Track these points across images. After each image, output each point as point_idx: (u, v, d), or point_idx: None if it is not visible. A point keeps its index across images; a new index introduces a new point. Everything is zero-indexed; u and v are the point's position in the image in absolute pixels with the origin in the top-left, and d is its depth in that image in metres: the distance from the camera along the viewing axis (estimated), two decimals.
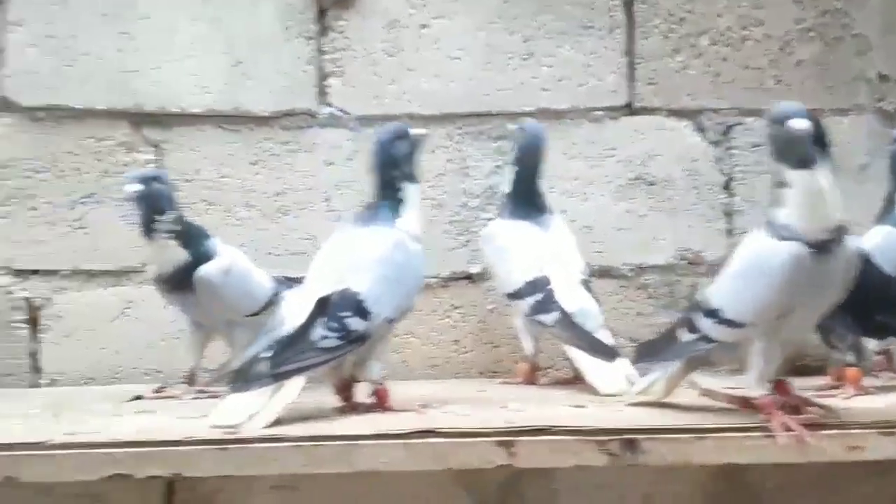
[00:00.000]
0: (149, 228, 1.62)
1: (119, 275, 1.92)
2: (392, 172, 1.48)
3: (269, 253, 1.90)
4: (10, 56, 1.89)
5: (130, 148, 1.92)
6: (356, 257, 1.44)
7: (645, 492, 1.74)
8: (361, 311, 1.40)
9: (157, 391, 1.74)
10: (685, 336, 1.38)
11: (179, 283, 1.65)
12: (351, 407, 1.47)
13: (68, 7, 1.89)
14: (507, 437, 1.23)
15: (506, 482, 1.78)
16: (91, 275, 1.91)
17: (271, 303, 1.73)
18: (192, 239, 1.65)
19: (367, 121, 1.94)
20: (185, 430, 1.26)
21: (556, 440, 1.24)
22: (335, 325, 1.38)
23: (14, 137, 1.89)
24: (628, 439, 1.23)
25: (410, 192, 1.49)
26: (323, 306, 1.40)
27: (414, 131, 1.52)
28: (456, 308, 1.96)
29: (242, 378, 1.37)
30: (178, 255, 1.63)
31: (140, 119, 1.91)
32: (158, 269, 1.66)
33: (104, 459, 1.21)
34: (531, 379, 1.78)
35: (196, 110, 1.92)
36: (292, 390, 1.35)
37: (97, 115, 1.91)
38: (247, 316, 1.71)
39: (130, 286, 1.92)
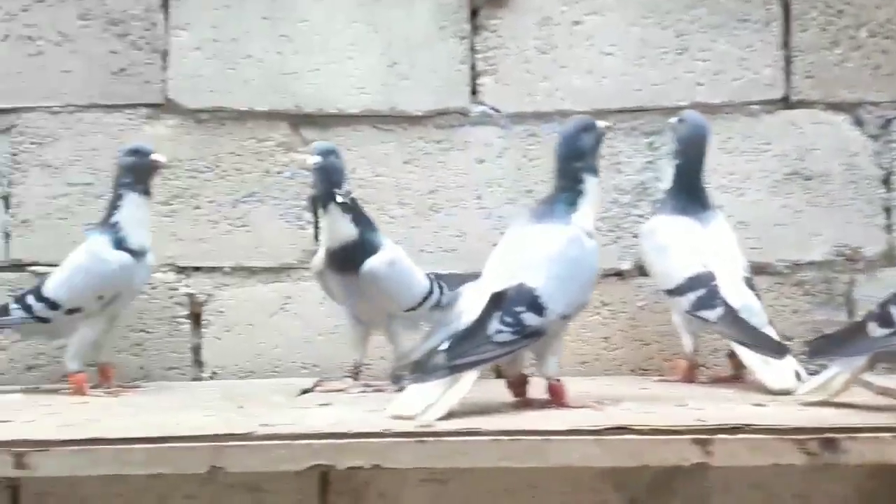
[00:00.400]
0: (326, 199, 1.66)
1: (278, 271, 1.97)
2: (575, 164, 1.49)
3: (422, 250, 1.93)
4: (175, 59, 1.96)
5: (289, 148, 1.97)
6: (531, 253, 1.45)
7: (797, 491, 1.72)
8: (536, 307, 1.41)
9: (318, 385, 1.79)
10: (877, 331, 1.35)
11: (345, 262, 1.68)
12: (525, 402, 1.48)
13: (231, 11, 1.95)
14: (703, 435, 1.23)
15: (656, 481, 1.78)
16: (251, 271, 1.97)
17: (427, 299, 1.76)
18: (362, 218, 1.70)
19: (518, 118, 1.95)
20: (379, 424, 1.29)
21: (753, 439, 1.23)
22: (510, 319, 1.40)
23: (179, 138, 1.96)
24: (828, 438, 1.22)
25: (591, 184, 1.50)
26: (498, 301, 1.42)
27: (600, 124, 1.52)
28: (605, 305, 1.96)
29: (421, 370, 1.40)
30: (349, 230, 1.67)
31: (298, 120, 1.96)
32: (329, 242, 1.69)
33: (305, 451, 1.25)
34: (690, 377, 1.77)
35: (353, 111, 1.95)
36: (467, 383, 1.38)
37: (258, 117, 1.96)
38: (405, 311, 1.73)
39: (289, 283, 1.96)
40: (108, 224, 1.75)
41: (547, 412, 1.41)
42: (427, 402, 1.35)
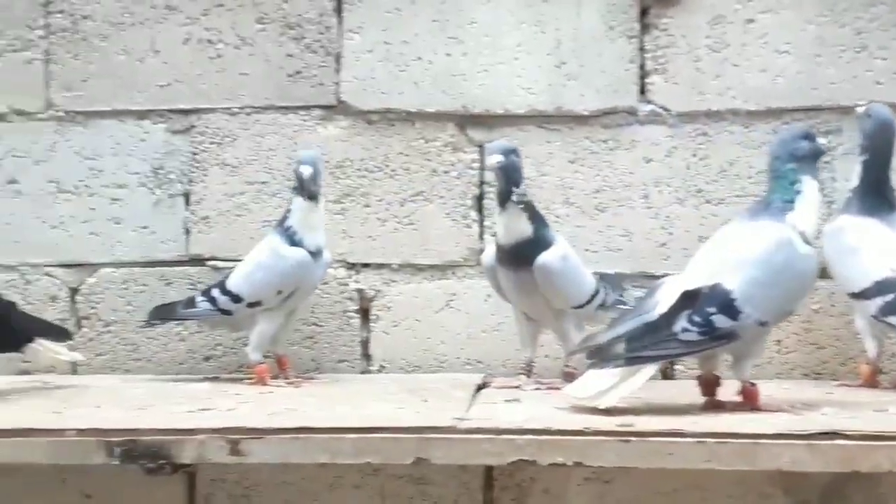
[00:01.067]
0: (504, 198, 1.68)
1: (444, 269, 2.00)
2: (789, 165, 1.47)
3: (587, 249, 1.93)
4: (348, 62, 2.01)
5: (456, 148, 2.00)
6: (733, 253, 1.44)
7: None
8: (730, 310, 1.40)
9: (488, 381, 1.81)
10: None
11: (517, 258, 1.70)
12: (715, 403, 1.48)
13: (402, 14, 1.99)
14: None
15: (829, 486, 1.75)
16: (418, 269, 2.01)
17: (595, 297, 1.76)
18: (537, 217, 1.72)
19: (688, 117, 1.94)
20: (580, 421, 1.30)
21: None
22: (699, 319, 1.39)
23: (350, 139, 2.01)
24: None
25: (809, 186, 1.47)
26: (691, 299, 1.41)
27: (821, 140, 1.52)
28: None
29: (600, 356, 1.41)
30: (524, 228, 1.69)
31: (465, 120, 1.99)
32: (504, 238, 1.71)
33: (509, 445, 1.27)
34: (872, 382, 1.73)
35: (519, 111, 1.97)
36: (643, 376, 1.39)
37: (426, 118, 2.00)
38: (574, 308, 1.75)
39: (454, 280, 2.00)
40: (282, 227, 1.82)
41: (744, 415, 1.40)
42: (600, 387, 1.36)
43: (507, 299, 1.81)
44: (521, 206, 1.69)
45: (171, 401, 1.60)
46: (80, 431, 1.33)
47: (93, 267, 2.03)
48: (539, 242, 1.70)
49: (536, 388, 1.72)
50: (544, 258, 1.69)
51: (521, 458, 1.27)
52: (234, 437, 1.31)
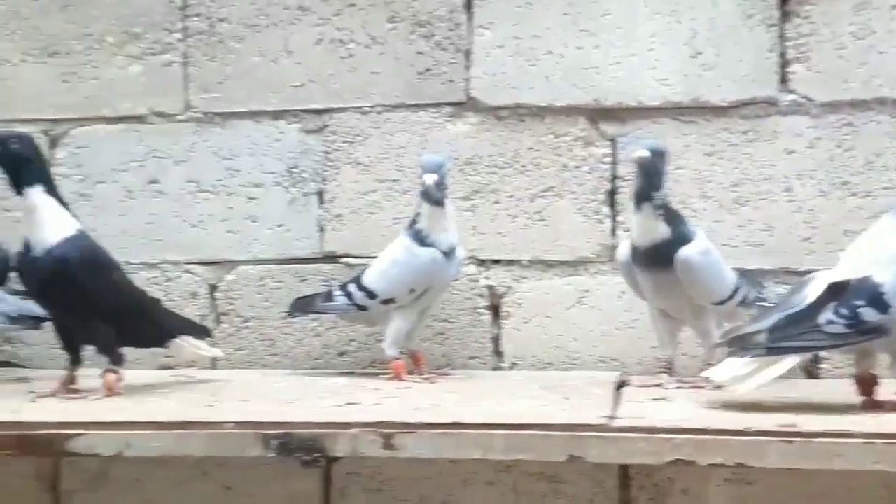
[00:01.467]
0: (641, 198, 1.66)
1: (575, 265, 1.98)
2: None
3: (725, 244, 1.88)
4: (478, 58, 2.01)
5: (588, 142, 1.98)
6: (886, 248, 1.39)
7: None
8: (879, 303, 1.36)
9: (626, 378, 1.79)
10: None
11: (655, 259, 1.68)
12: (873, 403, 1.42)
13: (532, 8, 1.98)
14: None
15: None
16: (549, 265, 1.99)
17: (736, 293, 1.72)
18: (674, 216, 1.69)
19: (832, 107, 1.88)
20: (739, 421, 1.27)
21: None
22: (846, 312, 1.35)
23: (479, 135, 2.01)
24: None
25: None
26: (838, 292, 1.37)
27: None
28: None
29: (741, 346, 1.39)
30: (662, 230, 1.67)
31: (597, 114, 1.97)
32: (640, 240, 1.69)
33: (666, 445, 1.25)
34: None
35: (653, 103, 1.94)
36: (784, 366, 1.36)
37: (556, 112, 1.98)
38: (715, 303, 1.71)
39: (586, 276, 1.98)
40: (412, 229, 1.83)
41: None
42: (737, 373, 1.35)
43: (643, 297, 1.78)
44: (658, 209, 1.66)
45: (315, 395, 1.63)
46: (238, 424, 1.36)
47: (231, 264, 2.09)
48: (678, 242, 1.67)
49: (678, 387, 1.69)
50: (686, 252, 1.65)
51: (679, 457, 1.24)
52: (388, 431, 1.32)
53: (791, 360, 1.38)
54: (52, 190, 1.68)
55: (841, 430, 1.23)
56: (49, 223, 1.64)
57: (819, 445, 1.21)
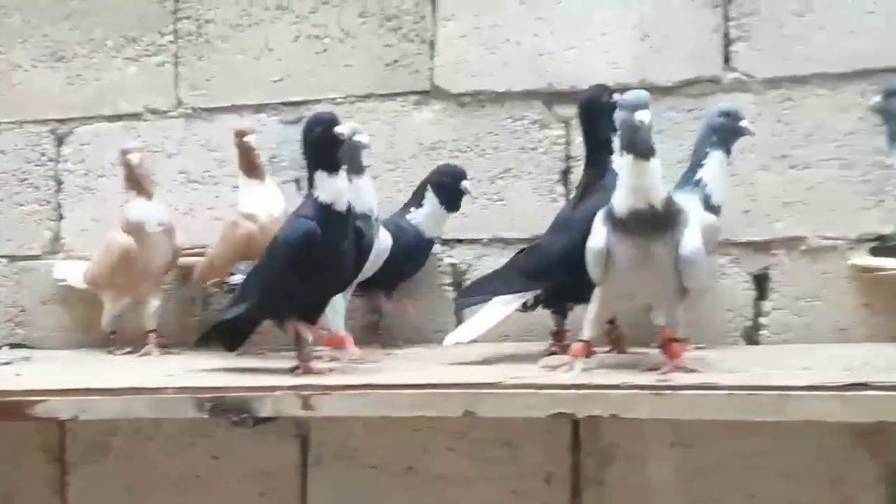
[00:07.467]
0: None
1: (531, 242, 2.06)
2: None
3: None
4: (442, 48, 2.12)
5: (543, 125, 2.07)
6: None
7: None
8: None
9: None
10: None
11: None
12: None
13: None
14: None
15: None
16: (507, 243, 2.08)
17: None
18: None
19: (772, 83, 1.93)
20: (620, 378, 1.36)
21: None
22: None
23: (443, 122, 2.12)
24: None
25: None
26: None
27: None
28: (866, 270, 1.89)
29: None
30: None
31: (552, 98, 2.06)
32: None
33: (550, 400, 1.34)
34: None
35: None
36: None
37: (514, 97, 2.08)
38: None
39: None
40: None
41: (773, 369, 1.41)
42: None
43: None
44: None
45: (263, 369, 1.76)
46: (177, 389, 1.50)
47: None
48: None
49: None
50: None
51: (561, 411, 1.34)
52: (306, 392, 1.44)
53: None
54: None
55: (707, 384, 1.30)
56: None
57: (685, 398, 1.29)
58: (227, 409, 1.47)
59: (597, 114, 1.74)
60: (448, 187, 1.98)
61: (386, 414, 1.43)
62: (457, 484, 1.96)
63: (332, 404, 1.44)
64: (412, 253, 2.00)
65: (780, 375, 1.34)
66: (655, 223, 1.43)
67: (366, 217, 1.80)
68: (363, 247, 1.67)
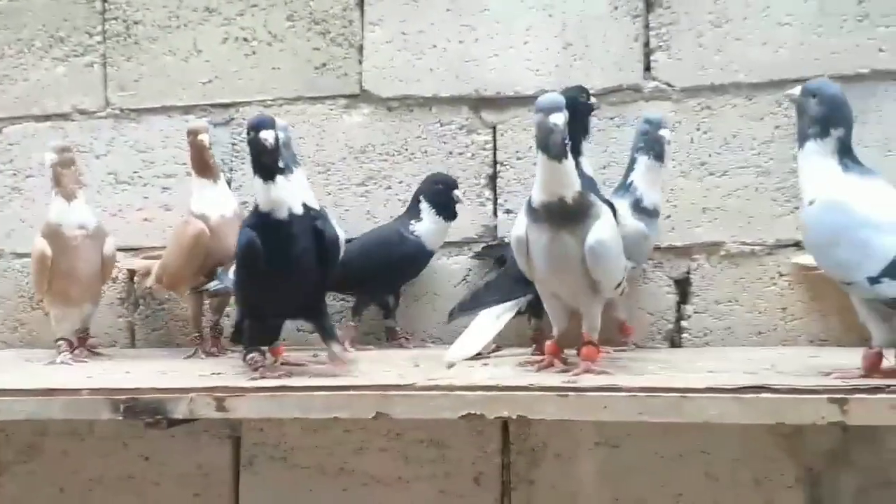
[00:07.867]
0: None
1: (461, 245, 2.11)
2: None
3: None
4: (370, 53, 2.14)
5: (470, 130, 2.10)
6: None
7: None
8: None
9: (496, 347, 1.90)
10: None
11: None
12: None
13: (418, 5, 2.11)
14: (840, 394, 1.24)
15: (834, 451, 1.77)
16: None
17: None
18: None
19: (691, 92, 1.98)
20: (528, 379, 1.39)
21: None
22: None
23: (372, 125, 2.14)
24: None
25: None
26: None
27: None
28: (783, 276, 1.94)
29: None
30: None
31: (478, 103, 2.09)
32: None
33: (460, 401, 1.37)
34: None
35: (528, 92, 2.05)
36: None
37: (441, 102, 2.10)
38: None
39: (470, 255, 2.09)
40: None
41: (673, 373, 1.45)
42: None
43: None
44: None
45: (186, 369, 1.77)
46: (92, 391, 1.50)
47: (147, 250, 2.22)
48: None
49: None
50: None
51: (472, 412, 1.36)
52: (221, 395, 1.45)
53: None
54: None
55: (610, 385, 1.34)
56: None
57: (589, 399, 1.32)
58: (141, 411, 1.47)
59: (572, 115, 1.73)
60: (441, 195, 1.98)
61: (300, 416, 1.44)
62: (389, 484, 1.98)
63: (247, 406, 1.45)
64: (412, 263, 2.02)
65: (683, 378, 1.38)
66: (564, 215, 1.46)
67: (321, 215, 1.71)
68: (326, 247, 1.58)
